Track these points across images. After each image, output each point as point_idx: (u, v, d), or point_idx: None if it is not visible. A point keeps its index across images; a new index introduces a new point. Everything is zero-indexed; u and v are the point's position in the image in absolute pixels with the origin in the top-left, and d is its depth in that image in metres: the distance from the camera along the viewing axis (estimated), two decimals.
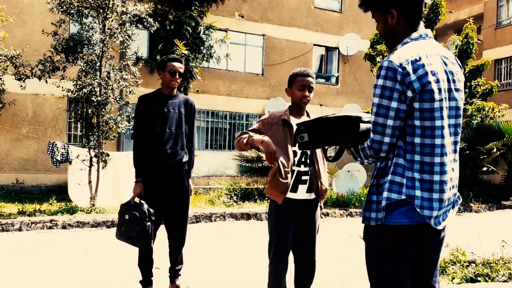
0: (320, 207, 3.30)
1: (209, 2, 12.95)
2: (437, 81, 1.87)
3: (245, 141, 3.11)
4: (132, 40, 9.30)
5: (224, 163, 14.51)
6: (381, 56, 13.59)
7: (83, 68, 8.88)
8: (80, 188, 9.18)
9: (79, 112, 9.11)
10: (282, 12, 16.29)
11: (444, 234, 2.02)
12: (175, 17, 12.24)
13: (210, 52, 12.69)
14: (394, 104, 1.83)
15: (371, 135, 1.89)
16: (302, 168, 3.17)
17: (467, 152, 12.83)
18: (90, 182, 8.97)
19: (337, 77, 17.46)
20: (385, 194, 1.87)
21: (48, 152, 9.43)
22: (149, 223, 3.65)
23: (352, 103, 16.57)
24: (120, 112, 10.04)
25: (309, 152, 3.22)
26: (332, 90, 17.22)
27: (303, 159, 3.19)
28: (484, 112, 13.79)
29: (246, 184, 12.70)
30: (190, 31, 12.11)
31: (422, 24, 2.02)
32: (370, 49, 13.89)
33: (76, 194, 9.35)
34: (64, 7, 8.72)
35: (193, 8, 12.49)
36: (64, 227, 7.58)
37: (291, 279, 3.29)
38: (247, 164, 11.19)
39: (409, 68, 1.82)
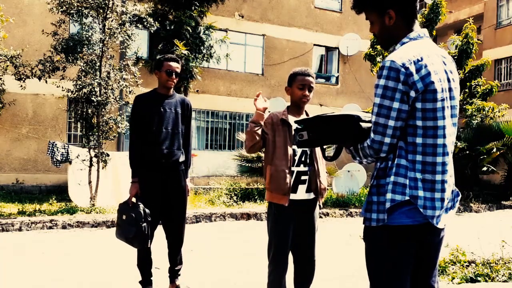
0: (319, 206, 3.30)
1: (209, 2, 12.95)
2: (439, 80, 1.87)
3: (248, 129, 3.13)
4: (132, 40, 9.30)
5: (224, 163, 14.51)
6: (381, 56, 13.58)
7: (83, 68, 8.88)
8: (80, 188, 9.18)
9: (79, 112, 9.11)
10: (282, 12, 16.29)
11: (443, 234, 2.02)
12: (175, 17, 12.24)
13: (210, 52, 12.69)
14: (396, 105, 1.82)
15: (372, 135, 1.88)
16: (302, 168, 3.17)
17: (467, 152, 12.84)
18: (90, 182, 8.97)
19: (337, 77, 17.47)
20: (388, 195, 1.85)
21: (48, 152, 9.43)
22: (144, 224, 3.66)
23: (352, 103, 16.56)
24: (120, 112, 10.04)
25: (308, 152, 3.22)
26: (332, 90, 17.23)
27: (302, 159, 3.19)
28: (484, 112, 13.79)
29: (246, 184, 12.70)
30: (190, 31, 12.11)
31: (417, 23, 2.03)
32: (370, 49, 13.89)
33: (76, 194, 9.35)
34: (64, 7, 8.72)
35: (193, 8, 12.49)
36: (64, 227, 7.58)
37: (291, 279, 3.29)
38: (247, 164, 11.19)
39: (412, 68, 1.81)
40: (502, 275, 4.35)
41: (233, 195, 10.95)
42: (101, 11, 8.92)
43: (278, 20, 16.25)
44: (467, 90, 13.79)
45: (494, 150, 12.83)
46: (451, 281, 4.33)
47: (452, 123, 1.95)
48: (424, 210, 1.85)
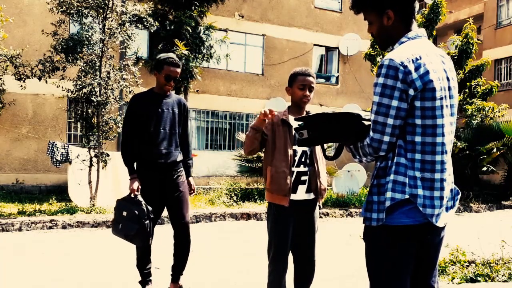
0: (319, 206, 3.30)
1: (209, 2, 12.95)
2: (438, 79, 1.87)
3: (249, 133, 3.10)
4: (132, 40, 9.30)
5: (224, 163, 14.51)
6: (381, 56, 13.58)
7: (83, 68, 8.88)
8: (80, 188, 9.18)
9: (79, 112, 9.11)
10: (282, 12, 16.29)
11: (443, 234, 2.02)
12: (175, 17, 12.24)
13: (210, 52, 12.69)
14: (394, 103, 1.82)
15: (371, 133, 1.88)
16: (302, 168, 3.17)
17: (467, 152, 12.84)
18: (90, 182, 8.97)
19: (337, 77, 17.47)
20: (388, 194, 1.85)
21: (48, 152, 9.43)
22: (147, 221, 3.62)
23: (352, 103, 16.57)
24: (120, 112, 10.04)
25: (308, 152, 3.22)
26: (332, 90, 17.23)
27: (302, 159, 3.19)
28: (484, 112, 13.79)
29: (246, 184, 12.70)
30: (190, 31, 12.11)
31: (415, 23, 2.03)
32: (370, 49, 13.89)
33: (76, 194, 9.35)
34: (64, 7, 8.72)
35: (193, 8, 12.49)
36: (64, 227, 7.58)
37: (291, 279, 3.29)
38: (247, 164, 11.19)
39: (411, 67, 1.82)
40: (502, 275, 4.35)
41: (233, 195, 10.95)
42: (101, 11, 8.92)
43: (278, 20, 16.25)
44: (467, 90, 13.79)
45: (494, 150, 12.83)
46: (451, 281, 4.33)
47: (451, 122, 1.95)
48: (424, 209, 1.85)
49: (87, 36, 8.80)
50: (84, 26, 9.07)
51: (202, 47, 12.53)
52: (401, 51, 1.88)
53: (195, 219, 8.63)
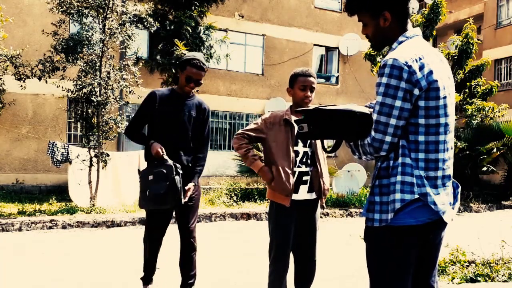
0: (322, 206, 3.29)
1: (209, 2, 12.95)
2: (441, 78, 1.87)
3: (243, 153, 3.20)
4: (132, 40, 9.30)
5: (224, 163, 14.51)
6: (381, 56, 13.58)
7: (83, 68, 8.88)
8: (80, 188, 9.18)
9: (79, 112, 9.11)
10: (282, 12, 16.29)
11: (443, 234, 2.02)
12: (175, 17, 12.24)
13: (210, 52, 12.69)
14: (398, 103, 1.81)
15: (373, 133, 1.87)
16: (303, 169, 3.17)
17: (467, 152, 12.84)
18: (90, 182, 8.97)
19: (337, 77, 17.47)
20: (398, 195, 1.83)
21: (48, 152, 9.43)
22: (177, 177, 3.42)
23: (352, 103, 16.57)
24: (120, 112, 10.03)
25: (310, 153, 3.21)
26: (332, 90, 17.23)
27: (304, 159, 3.19)
28: (484, 112, 13.79)
29: (246, 184, 12.70)
30: (190, 31, 12.11)
31: (410, 22, 2.03)
32: (370, 49, 13.89)
33: (76, 194, 9.35)
34: (64, 7, 8.72)
35: (193, 8, 12.49)
36: (64, 227, 7.58)
37: (291, 279, 3.29)
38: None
39: (415, 66, 1.81)
40: (502, 275, 4.35)
41: (233, 195, 10.95)
42: (101, 11, 8.92)
43: (278, 20, 16.25)
44: (467, 90, 13.79)
45: (494, 150, 12.83)
46: (451, 281, 4.33)
47: (452, 120, 1.96)
48: (435, 206, 1.84)
49: (87, 36, 8.80)
50: (84, 26, 9.07)
51: (202, 47, 12.53)
52: (403, 51, 1.87)
53: None
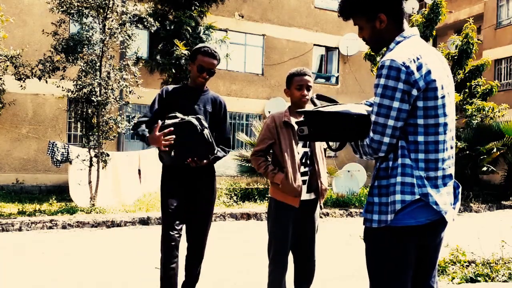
0: (320, 206, 3.30)
1: (209, 2, 12.94)
2: (439, 77, 1.87)
3: (263, 172, 3.22)
4: (132, 40, 9.30)
5: (224, 163, 14.47)
6: (381, 56, 13.58)
7: (83, 68, 8.88)
8: (80, 188, 9.18)
9: (79, 112, 9.12)
10: (282, 12, 16.29)
11: (443, 234, 2.02)
12: (175, 17, 12.24)
13: None
14: (396, 104, 1.81)
15: (371, 134, 1.87)
16: (302, 169, 3.19)
17: (467, 152, 12.84)
18: (90, 182, 8.98)
19: (337, 77, 17.46)
20: (398, 197, 1.83)
21: (48, 152, 9.43)
22: (206, 130, 3.13)
23: (352, 103, 16.57)
24: (120, 112, 10.04)
25: (309, 153, 3.23)
26: (332, 90, 17.22)
27: (303, 160, 3.20)
28: (484, 112, 13.79)
29: (246, 184, 12.70)
30: (190, 31, 12.10)
31: (406, 21, 2.03)
32: (370, 49, 13.88)
33: (77, 194, 9.36)
34: (64, 7, 8.72)
35: (193, 8, 12.49)
36: (64, 227, 7.58)
37: (291, 279, 3.29)
38: (247, 164, 11.19)
39: (413, 67, 1.81)
40: (502, 275, 4.35)
41: (233, 195, 10.95)
42: (101, 11, 8.92)
43: (278, 20, 16.24)
44: (467, 90, 13.79)
45: (494, 150, 12.83)
46: (451, 281, 4.33)
47: (452, 119, 1.95)
48: (437, 206, 1.84)
49: (87, 36, 8.80)
50: (84, 26, 9.07)
51: None
52: (401, 51, 1.86)
53: None
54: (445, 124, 1.89)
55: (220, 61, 3.48)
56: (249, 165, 11.18)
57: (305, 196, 3.17)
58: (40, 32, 9.29)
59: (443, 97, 1.87)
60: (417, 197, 1.82)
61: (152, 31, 10.76)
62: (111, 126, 9.12)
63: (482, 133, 13.46)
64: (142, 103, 12.70)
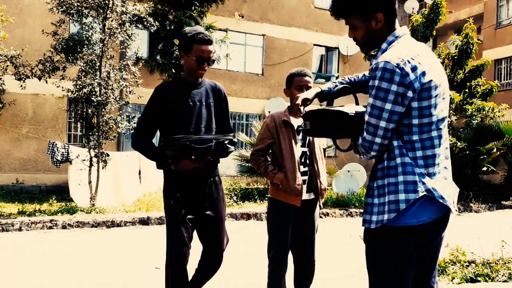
0: (320, 206, 3.30)
1: (209, 2, 12.95)
2: (434, 77, 1.86)
3: (263, 172, 3.22)
4: (132, 40, 9.30)
5: (224, 163, 14.38)
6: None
7: (83, 68, 8.88)
8: (80, 188, 9.18)
9: (79, 112, 9.12)
10: (282, 12, 16.29)
11: (443, 234, 2.02)
12: (175, 17, 12.24)
13: None
14: (388, 106, 1.81)
15: (364, 134, 1.88)
16: (302, 169, 3.19)
17: (467, 152, 12.84)
18: (90, 182, 8.98)
19: (337, 77, 17.46)
20: (402, 196, 1.82)
21: (48, 152, 9.43)
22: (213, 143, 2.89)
23: (352, 103, 16.57)
24: (120, 112, 10.04)
25: (308, 152, 3.23)
26: None
27: (302, 160, 3.20)
28: (484, 112, 13.79)
29: (246, 184, 12.70)
30: None
31: (397, 20, 2.02)
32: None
33: (77, 194, 9.36)
34: (64, 7, 8.72)
35: (193, 8, 12.49)
36: (64, 227, 7.58)
37: (291, 279, 3.29)
38: (247, 164, 11.19)
39: (408, 68, 1.80)
40: (502, 275, 4.35)
41: (233, 195, 10.95)
42: (101, 11, 8.92)
43: (278, 20, 16.25)
44: (467, 90, 13.79)
45: (494, 150, 12.83)
46: (451, 281, 4.33)
47: (446, 115, 1.95)
48: (443, 200, 1.85)
49: (87, 36, 8.80)
50: (84, 26, 9.07)
51: None
52: (395, 52, 1.85)
53: None
54: (438, 121, 1.89)
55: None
56: (249, 165, 11.17)
57: (304, 196, 3.17)
58: (40, 32, 9.29)
59: (436, 96, 1.87)
60: (421, 194, 1.82)
61: (152, 31, 10.77)
62: (111, 126, 9.12)
63: (482, 133, 13.46)
64: (142, 103, 12.68)
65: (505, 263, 4.63)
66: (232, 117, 15.64)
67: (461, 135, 13.31)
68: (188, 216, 2.98)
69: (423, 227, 1.86)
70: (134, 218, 8.16)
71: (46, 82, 8.99)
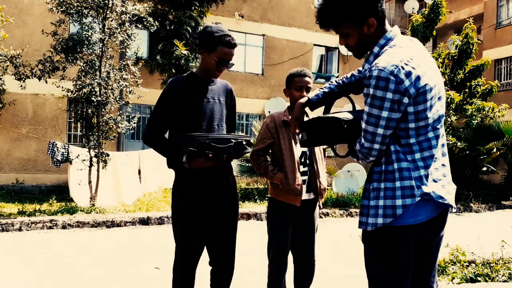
0: (320, 206, 3.31)
1: (209, 2, 12.96)
2: (429, 79, 1.85)
3: (263, 171, 3.21)
4: (132, 40, 9.30)
5: None
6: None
7: (83, 68, 8.88)
8: (80, 188, 9.18)
9: (79, 112, 9.11)
10: (282, 12, 16.29)
11: (442, 234, 2.02)
12: (175, 17, 12.25)
13: None
14: (384, 114, 1.80)
15: (362, 140, 1.88)
16: (301, 169, 3.19)
17: (467, 152, 12.84)
18: (90, 182, 8.98)
19: (337, 77, 17.45)
20: (399, 202, 1.83)
21: (49, 152, 9.44)
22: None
23: (346, 105, 16.58)
24: (120, 112, 10.04)
25: (308, 153, 3.23)
26: None
27: (302, 160, 3.20)
28: (484, 112, 13.80)
29: (246, 184, 12.70)
30: (190, 31, 12.11)
31: (386, 21, 1.99)
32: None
33: (77, 194, 9.36)
34: (64, 7, 8.72)
35: (193, 8, 12.50)
36: (64, 227, 7.58)
37: (291, 279, 3.29)
38: (247, 164, 11.19)
39: (402, 75, 1.78)
40: (502, 275, 4.35)
41: None
42: (101, 11, 8.92)
43: (278, 20, 16.25)
44: (467, 90, 13.79)
45: (494, 150, 12.84)
46: (451, 281, 4.33)
47: (442, 114, 1.94)
48: (443, 199, 1.85)
49: (87, 36, 8.79)
50: (84, 26, 9.07)
51: None
52: (388, 58, 1.82)
53: None
54: (435, 121, 1.89)
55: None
56: (249, 165, 11.17)
57: (304, 196, 3.17)
58: (40, 32, 9.29)
59: (432, 97, 1.86)
60: (418, 199, 1.82)
61: (152, 31, 10.77)
62: (111, 126, 9.12)
63: (482, 133, 13.46)
64: (142, 103, 12.70)
65: (505, 263, 4.63)
66: None
67: (461, 135, 13.31)
68: (199, 221, 2.86)
69: (420, 226, 1.86)
70: (134, 218, 8.16)
71: (46, 82, 8.99)
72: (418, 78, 1.80)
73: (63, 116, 12.56)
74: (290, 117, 3.20)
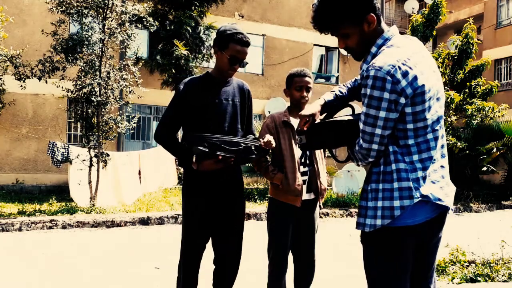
0: (320, 206, 3.31)
1: (209, 2, 12.96)
2: (426, 80, 1.83)
3: (264, 172, 3.21)
4: (132, 40, 9.30)
5: None
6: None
7: (83, 68, 8.88)
8: (80, 188, 9.18)
9: (79, 112, 9.11)
10: (282, 12, 16.30)
11: (441, 235, 2.01)
12: (175, 17, 12.25)
13: (210, 52, 12.70)
14: (382, 114, 1.79)
15: (360, 141, 1.88)
16: (302, 169, 3.19)
17: (467, 152, 12.84)
18: (90, 182, 8.98)
19: (337, 77, 17.46)
20: (397, 203, 1.83)
21: (49, 152, 9.43)
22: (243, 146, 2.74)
23: (352, 103, 16.58)
24: (120, 112, 10.04)
25: (308, 153, 3.23)
26: None
27: (302, 160, 3.21)
28: (484, 112, 13.80)
29: (246, 184, 12.69)
30: (190, 31, 12.12)
31: (382, 19, 1.97)
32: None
33: (77, 194, 9.36)
34: (64, 7, 8.72)
35: (193, 8, 12.50)
36: (64, 227, 7.58)
37: (291, 279, 3.29)
38: (247, 164, 11.20)
39: (399, 75, 1.76)
40: (502, 275, 4.35)
41: None
42: (101, 10, 8.92)
43: (278, 20, 16.25)
44: (467, 90, 13.80)
45: (494, 150, 12.84)
46: (451, 281, 4.33)
47: (441, 115, 1.93)
48: (441, 201, 1.85)
49: (87, 36, 8.79)
50: (84, 26, 9.07)
51: (202, 47, 12.53)
52: (385, 58, 1.81)
53: None
54: (433, 122, 1.88)
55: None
56: (249, 165, 11.18)
57: (304, 196, 3.18)
58: (40, 32, 9.29)
59: (430, 98, 1.84)
60: (416, 200, 1.82)
61: (152, 31, 10.77)
62: (111, 126, 9.12)
63: (482, 133, 13.47)
64: (142, 103, 12.71)
65: (505, 263, 4.63)
66: None
67: (461, 135, 13.31)
68: (203, 221, 2.91)
69: (419, 227, 1.86)
70: (134, 218, 8.16)
71: (46, 82, 8.98)
72: (415, 78, 1.79)
73: (63, 116, 12.56)
74: (290, 117, 3.21)
